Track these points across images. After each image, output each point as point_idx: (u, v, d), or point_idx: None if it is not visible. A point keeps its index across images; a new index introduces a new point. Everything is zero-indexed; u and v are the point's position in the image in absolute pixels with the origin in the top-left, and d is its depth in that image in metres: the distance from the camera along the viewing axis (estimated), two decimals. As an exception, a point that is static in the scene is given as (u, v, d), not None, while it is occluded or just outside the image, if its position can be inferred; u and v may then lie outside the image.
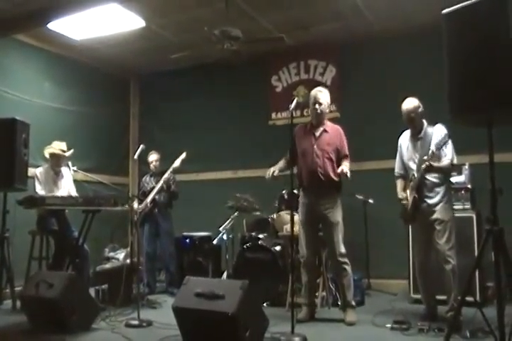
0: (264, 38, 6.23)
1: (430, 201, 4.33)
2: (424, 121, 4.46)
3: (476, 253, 4.67)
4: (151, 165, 6.27)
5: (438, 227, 4.27)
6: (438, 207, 4.31)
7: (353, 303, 4.54)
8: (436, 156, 4.23)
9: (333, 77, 6.91)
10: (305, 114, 6.81)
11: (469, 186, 5.20)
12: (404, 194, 4.47)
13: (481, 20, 2.95)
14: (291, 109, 4.13)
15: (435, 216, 4.30)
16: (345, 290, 4.52)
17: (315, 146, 4.56)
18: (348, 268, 4.52)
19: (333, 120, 6.56)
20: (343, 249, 4.50)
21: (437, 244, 4.25)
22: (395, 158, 6.08)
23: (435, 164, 4.20)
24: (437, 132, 4.33)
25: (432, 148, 4.15)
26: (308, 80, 7.03)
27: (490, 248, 3.19)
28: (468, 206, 5.13)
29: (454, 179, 4.82)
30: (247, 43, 5.79)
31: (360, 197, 5.97)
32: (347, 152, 4.64)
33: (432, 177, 4.35)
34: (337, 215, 4.53)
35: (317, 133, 4.63)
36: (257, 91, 7.36)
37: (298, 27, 6.29)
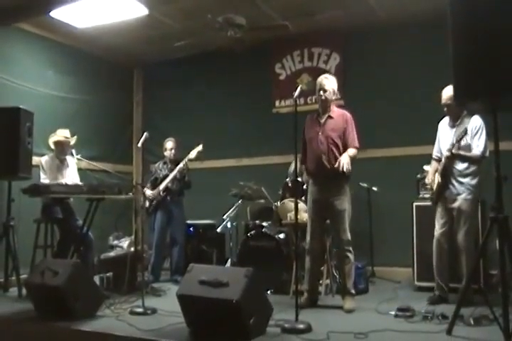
0: (268, 25, 6.20)
1: (453, 189, 4.45)
2: (465, 110, 4.48)
3: (480, 241, 4.68)
4: (167, 152, 6.20)
5: (457, 217, 4.43)
6: (460, 197, 4.43)
7: (353, 291, 4.54)
8: (466, 146, 4.36)
9: (337, 64, 6.86)
10: (309, 101, 6.80)
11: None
12: (433, 177, 4.61)
13: (486, 7, 2.93)
14: (295, 96, 4.05)
15: (455, 205, 4.44)
16: (346, 277, 4.52)
17: (320, 133, 4.53)
18: (351, 256, 4.52)
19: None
20: (348, 237, 4.49)
21: (456, 233, 4.43)
22: (398, 145, 6.13)
23: (460, 152, 4.34)
24: (472, 122, 4.42)
25: (456, 138, 4.29)
26: (312, 68, 6.99)
27: (494, 236, 3.20)
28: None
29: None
30: (250, 31, 5.76)
31: (364, 184, 5.97)
32: (352, 137, 4.52)
33: (459, 167, 4.43)
34: (344, 202, 4.49)
35: (322, 121, 4.59)
36: (260, 79, 7.32)
37: (302, 14, 6.23)
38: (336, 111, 4.65)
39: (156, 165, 6.31)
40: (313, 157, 4.56)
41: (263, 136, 7.07)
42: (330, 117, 4.59)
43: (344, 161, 4.29)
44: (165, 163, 6.26)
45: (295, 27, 6.41)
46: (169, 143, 6.24)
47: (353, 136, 4.54)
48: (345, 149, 4.49)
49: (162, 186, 5.93)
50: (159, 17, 6.29)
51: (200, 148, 5.95)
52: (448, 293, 4.54)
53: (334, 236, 4.63)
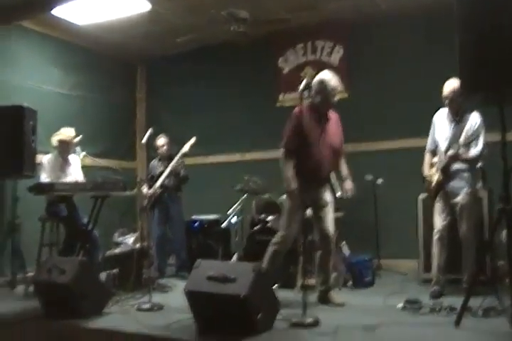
0: (270, 19, 6.16)
1: (455, 185, 4.47)
2: (465, 105, 4.47)
3: (486, 233, 4.67)
4: (160, 149, 6.20)
5: (460, 212, 4.44)
6: (462, 192, 4.45)
7: None
8: (466, 145, 4.37)
9: (340, 57, 6.83)
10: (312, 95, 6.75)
11: (481, 165, 5.15)
12: (430, 172, 4.62)
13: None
14: (300, 89, 3.99)
15: (458, 199, 4.45)
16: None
17: (324, 137, 4.27)
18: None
19: (340, 101, 6.56)
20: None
21: (460, 226, 4.43)
22: (403, 137, 6.09)
23: (462, 155, 4.38)
24: (472, 119, 4.42)
25: (461, 141, 4.31)
26: (316, 61, 6.96)
27: (501, 227, 3.18)
28: (479, 185, 5.08)
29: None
30: (253, 25, 5.73)
31: (370, 177, 5.93)
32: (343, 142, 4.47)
33: (458, 163, 4.45)
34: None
35: (324, 123, 4.33)
36: (263, 73, 7.28)
37: (305, 7, 6.18)
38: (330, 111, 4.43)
39: (152, 163, 6.32)
40: (314, 162, 4.24)
41: (267, 130, 6.99)
42: (329, 119, 4.37)
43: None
44: (159, 159, 6.25)
45: (298, 20, 6.38)
46: (161, 140, 6.20)
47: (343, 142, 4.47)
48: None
49: (158, 183, 5.88)
50: (162, 12, 6.25)
51: (193, 141, 5.89)
52: (444, 287, 4.52)
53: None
